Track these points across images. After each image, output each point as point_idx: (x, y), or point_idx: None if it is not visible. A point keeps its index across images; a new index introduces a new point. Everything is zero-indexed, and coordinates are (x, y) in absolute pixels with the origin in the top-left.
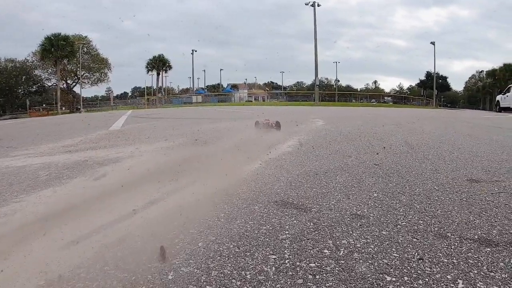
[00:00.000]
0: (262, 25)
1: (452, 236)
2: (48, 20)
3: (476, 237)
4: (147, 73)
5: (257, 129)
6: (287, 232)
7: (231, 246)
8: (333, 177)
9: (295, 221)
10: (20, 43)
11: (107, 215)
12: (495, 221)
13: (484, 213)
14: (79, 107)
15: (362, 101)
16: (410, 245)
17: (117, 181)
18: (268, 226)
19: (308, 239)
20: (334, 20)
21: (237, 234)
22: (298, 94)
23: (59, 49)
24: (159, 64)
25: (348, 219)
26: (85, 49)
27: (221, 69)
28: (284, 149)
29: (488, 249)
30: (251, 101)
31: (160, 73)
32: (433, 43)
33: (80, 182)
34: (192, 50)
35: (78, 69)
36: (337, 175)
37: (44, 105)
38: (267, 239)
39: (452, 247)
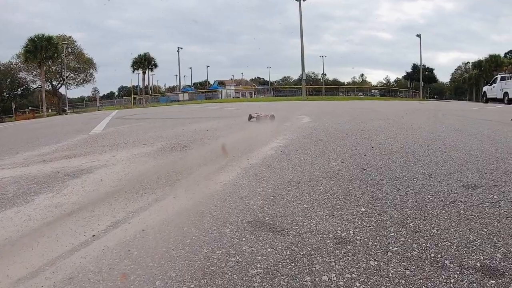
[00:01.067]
0: (248, 21)
1: (451, 265)
2: (32, 20)
3: (478, 264)
4: (133, 72)
5: (252, 122)
6: (258, 265)
7: (192, 286)
8: (316, 187)
9: (269, 249)
10: (4, 45)
11: (64, 243)
12: (498, 240)
13: (485, 229)
14: (65, 108)
15: (349, 94)
16: (403, 281)
17: (83, 197)
18: (237, 257)
19: (282, 275)
20: (320, 15)
21: (201, 269)
22: (285, 89)
23: (43, 50)
24: (144, 62)
25: (331, 244)
26: (69, 49)
27: (207, 66)
28: (265, 153)
29: (493, 281)
30: (239, 97)
31: (146, 71)
32: (419, 35)
33: (45, 200)
34: (178, 48)
35: (63, 70)
36: (321, 183)
37: (30, 107)
38: (234, 275)
39: (452, 280)
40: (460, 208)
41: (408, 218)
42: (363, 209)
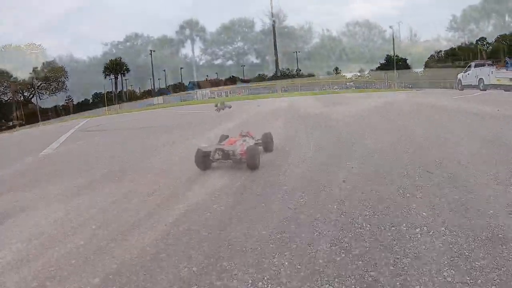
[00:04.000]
0: (222, 19)
1: None
2: (2, 29)
3: None
4: (105, 78)
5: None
6: None
7: None
8: None
9: None
10: None
11: None
12: None
13: None
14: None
15: (324, 89)
16: None
17: None
18: None
19: None
20: (293, 8)
21: None
22: (260, 86)
23: (11, 61)
24: (116, 68)
25: None
26: (39, 58)
27: (181, 68)
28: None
29: None
30: (214, 97)
31: (118, 76)
32: (391, 27)
33: None
34: (151, 51)
35: (33, 80)
36: None
37: (3, 120)
38: None
39: None
40: None
41: None
42: None
